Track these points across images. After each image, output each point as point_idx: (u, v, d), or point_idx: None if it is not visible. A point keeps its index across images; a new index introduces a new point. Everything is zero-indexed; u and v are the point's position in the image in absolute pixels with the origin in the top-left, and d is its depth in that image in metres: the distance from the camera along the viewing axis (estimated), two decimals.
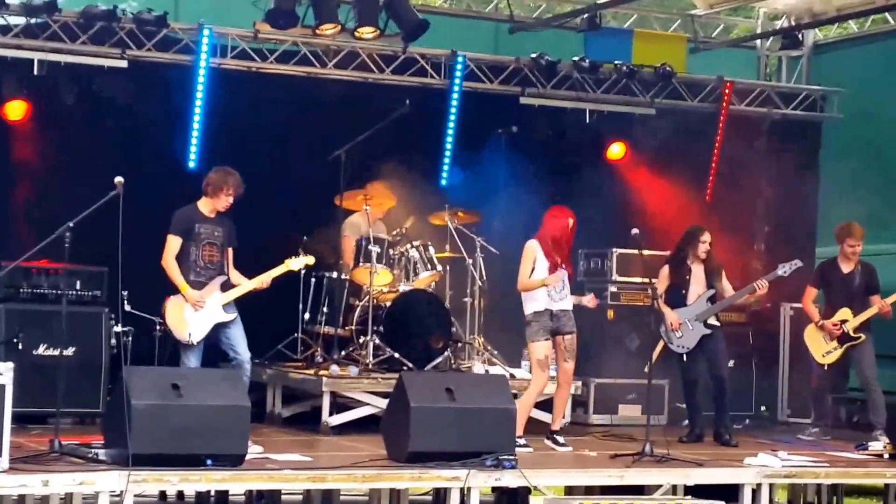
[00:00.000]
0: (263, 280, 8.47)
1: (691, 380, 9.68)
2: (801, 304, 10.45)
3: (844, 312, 9.97)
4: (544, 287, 8.84)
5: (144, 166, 9.87)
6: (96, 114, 10.26)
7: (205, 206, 8.45)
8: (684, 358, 9.60)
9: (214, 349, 8.54)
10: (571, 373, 9.03)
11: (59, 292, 8.81)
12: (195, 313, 8.31)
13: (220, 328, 8.31)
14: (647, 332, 9.56)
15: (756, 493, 8.14)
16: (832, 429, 10.37)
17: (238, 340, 8.30)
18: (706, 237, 9.65)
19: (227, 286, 8.41)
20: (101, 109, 10.28)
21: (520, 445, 8.36)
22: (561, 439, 8.93)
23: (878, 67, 12.50)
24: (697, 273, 9.65)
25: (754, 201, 12.58)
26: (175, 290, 8.40)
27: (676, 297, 9.63)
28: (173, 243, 8.36)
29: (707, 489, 8.14)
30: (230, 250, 8.51)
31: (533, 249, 8.91)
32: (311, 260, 8.90)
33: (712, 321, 9.61)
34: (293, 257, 8.71)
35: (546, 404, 9.78)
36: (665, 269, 9.76)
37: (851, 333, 9.93)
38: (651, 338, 9.57)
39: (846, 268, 10.08)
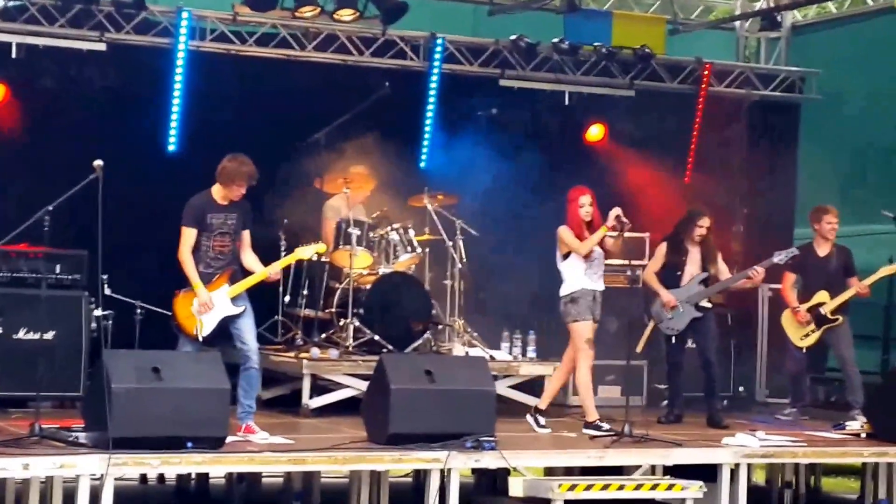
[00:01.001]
0: (272, 270, 8.25)
1: (676, 361, 9.71)
2: (779, 285, 10.49)
3: (821, 295, 10.00)
4: (583, 265, 8.82)
5: (124, 150, 9.82)
6: (75, 97, 10.22)
7: (217, 192, 8.17)
8: (672, 339, 9.63)
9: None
10: (592, 360, 8.97)
11: (39, 276, 8.79)
12: (212, 309, 8.06)
13: (228, 320, 8.10)
14: (626, 313, 9.59)
15: (734, 472, 8.19)
16: (810, 408, 10.44)
17: (246, 331, 8.08)
18: (704, 222, 9.63)
19: (235, 278, 8.16)
20: (80, 93, 10.24)
21: (605, 430, 8.56)
22: (542, 420, 8.97)
23: (856, 49, 12.54)
24: (694, 255, 9.67)
25: (733, 182, 12.62)
26: (184, 284, 8.13)
27: (671, 277, 9.64)
28: (189, 236, 8.05)
29: (686, 469, 8.19)
30: (245, 234, 8.23)
31: (562, 232, 8.91)
32: (322, 247, 8.77)
33: (704, 304, 9.62)
34: (303, 245, 8.51)
35: (531, 386, 9.86)
36: (662, 248, 9.76)
37: (829, 316, 9.96)
38: (632, 319, 9.60)
39: (822, 251, 10.10)
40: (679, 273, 9.64)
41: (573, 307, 8.84)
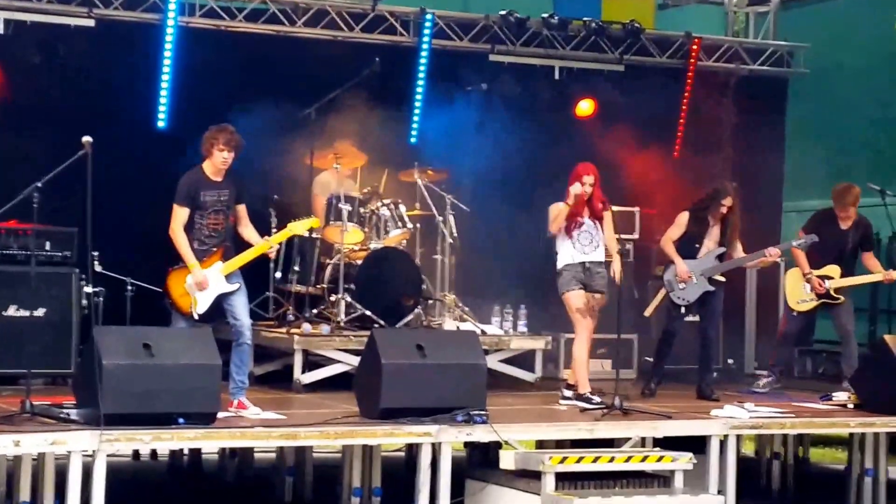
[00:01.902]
0: (272, 242, 8.23)
1: (672, 332, 9.71)
2: None
3: (832, 269, 9.90)
4: (569, 240, 8.91)
5: (113, 126, 9.80)
6: (63, 73, 10.17)
7: (208, 167, 8.13)
8: (682, 310, 9.63)
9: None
10: (590, 331, 9.01)
11: (29, 253, 8.76)
12: (208, 287, 8.05)
13: (222, 296, 8.07)
14: (615, 287, 9.62)
15: (723, 444, 8.25)
16: (797, 379, 10.47)
17: (239, 308, 8.06)
18: (727, 202, 9.56)
19: (228, 255, 8.13)
20: (69, 69, 10.19)
21: (595, 404, 8.57)
22: (596, 399, 8.87)
23: (844, 23, 12.56)
24: (713, 230, 9.64)
25: (721, 156, 12.63)
26: (175, 261, 8.13)
27: (688, 248, 9.61)
28: (181, 213, 7.99)
29: (675, 441, 8.25)
30: (241, 208, 8.19)
31: (550, 209, 9.02)
32: (315, 221, 8.77)
33: (717, 278, 9.62)
34: (295, 220, 8.50)
35: (522, 360, 9.88)
36: (684, 217, 9.66)
37: (832, 293, 9.90)
38: (619, 292, 9.62)
39: (844, 224, 9.98)
40: (697, 245, 9.62)
41: (560, 280, 8.98)
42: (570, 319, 9.03)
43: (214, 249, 8.10)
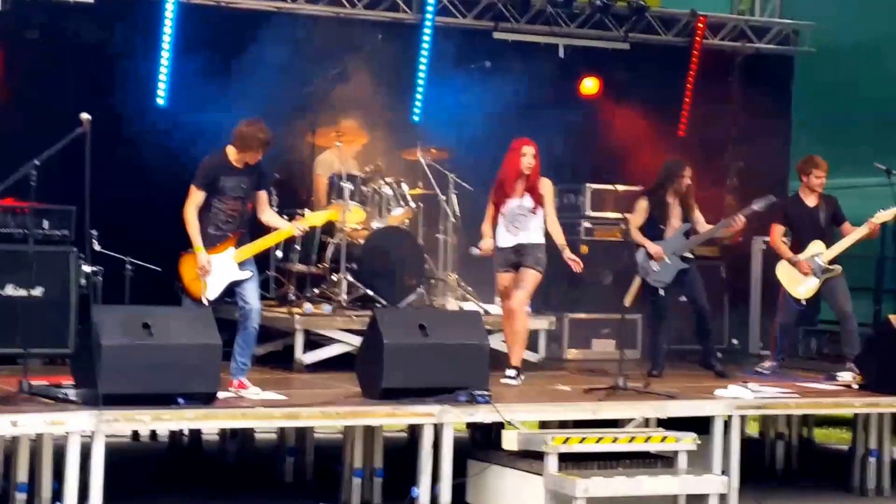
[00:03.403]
0: (297, 228, 8.22)
1: (661, 315, 9.68)
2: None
3: (817, 245, 9.85)
4: (501, 219, 8.84)
5: (112, 103, 9.75)
6: (63, 50, 10.09)
7: (232, 154, 8.00)
8: (661, 292, 9.59)
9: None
10: (516, 306, 8.84)
11: (26, 232, 8.67)
12: (210, 272, 7.95)
13: (234, 286, 7.99)
14: (620, 267, 9.56)
15: (727, 424, 8.20)
16: (801, 360, 10.41)
17: (249, 292, 7.97)
18: (687, 172, 9.57)
19: (243, 241, 8.02)
20: (68, 45, 10.10)
21: (513, 377, 8.57)
22: (511, 373, 8.83)
23: (850, 1, 12.45)
24: (675, 207, 9.62)
25: (727, 136, 12.57)
26: (188, 244, 8.00)
27: (654, 231, 9.58)
28: (197, 196, 7.90)
29: (679, 421, 8.19)
30: (261, 194, 8.11)
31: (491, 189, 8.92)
32: (333, 214, 8.97)
33: (687, 255, 9.60)
34: (315, 212, 8.64)
35: None
36: (643, 202, 9.65)
37: (827, 266, 9.85)
38: (625, 272, 9.57)
39: (811, 202, 9.94)
40: (662, 227, 9.59)
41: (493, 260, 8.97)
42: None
43: (229, 235, 8.00)
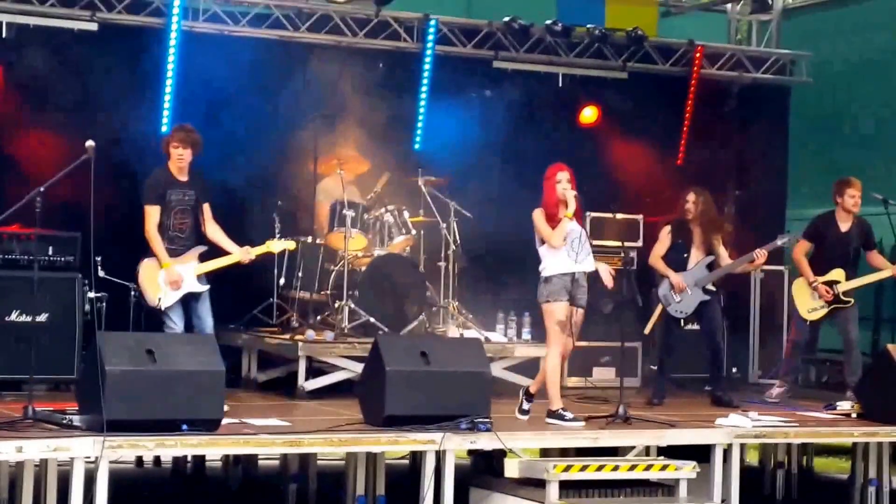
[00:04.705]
0: (247, 254, 8.37)
1: (671, 345, 9.68)
2: (771, 266, 10.46)
3: (837, 273, 9.81)
4: (564, 246, 8.31)
5: (116, 130, 9.81)
6: (67, 77, 10.13)
7: (172, 167, 8.37)
8: (682, 323, 9.59)
9: None
10: (570, 350, 8.54)
11: (32, 258, 8.69)
12: (182, 284, 8.21)
13: (190, 296, 8.28)
14: (620, 295, 9.58)
15: (727, 453, 8.21)
16: (801, 388, 10.43)
17: (203, 312, 8.28)
18: (689, 197, 9.56)
19: (204, 257, 8.31)
20: (72, 73, 10.16)
21: (568, 419, 8.23)
22: (527, 405, 8.55)
23: (846, 31, 12.56)
24: (698, 239, 9.59)
25: (725, 165, 12.64)
26: (148, 252, 8.33)
27: (678, 260, 9.57)
28: (154, 213, 8.20)
29: (679, 449, 8.22)
30: (206, 206, 8.38)
31: (535, 217, 8.45)
32: (291, 245, 8.95)
33: (710, 287, 9.57)
34: (275, 240, 8.70)
35: (526, 368, 9.81)
36: (666, 231, 9.64)
37: (842, 297, 9.83)
38: (625, 301, 9.59)
39: (844, 225, 9.87)
40: (685, 255, 9.57)
41: (545, 287, 8.35)
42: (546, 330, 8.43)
43: (190, 249, 8.25)
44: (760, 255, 9.52)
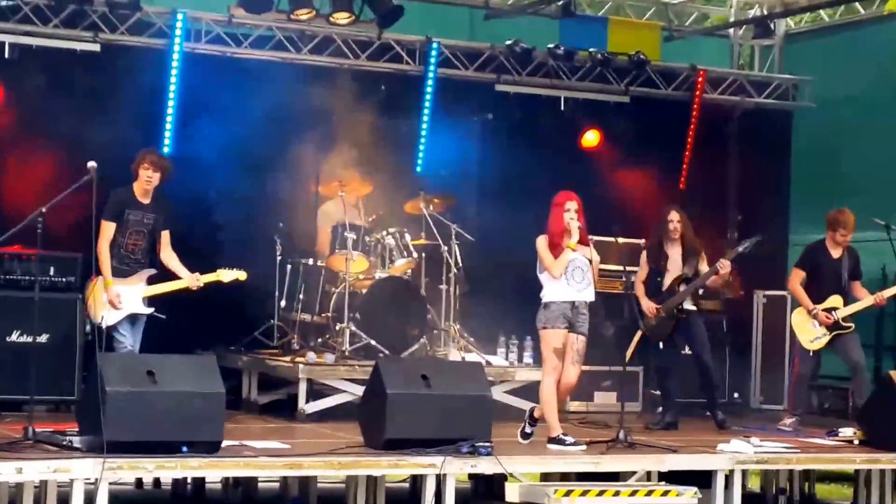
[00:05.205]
0: (195, 281, 8.44)
1: (664, 367, 9.70)
2: (774, 291, 10.43)
3: (835, 300, 9.81)
4: (563, 275, 8.24)
5: (118, 151, 9.79)
6: (69, 98, 10.15)
7: (137, 188, 8.40)
8: (660, 345, 9.60)
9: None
10: (576, 379, 8.39)
11: (32, 278, 8.71)
12: (121, 305, 8.30)
13: (135, 317, 8.33)
14: (621, 319, 9.59)
15: (729, 479, 8.18)
16: (804, 415, 10.39)
17: (137, 336, 8.41)
18: (672, 216, 9.56)
19: (153, 280, 8.36)
20: (74, 94, 10.18)
21: (568, 444, 8.20)
22: (529, 429, 8.48)
23: (848, 56, 12.58)
24: (674, 257, 9.59)
25: (727, 189, 12.64)
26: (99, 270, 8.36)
27: (654, 283, 9.61)
28: (108, 229, 8.27)
29: (680, 475, 8.18)
30: (164, 233, 8.44)
31: (539, 245, 8.37)
32: (242, 275, 8.82)
33: (687, 306, 9.56)
34: (226, 269, 8.67)
35: (527, 392, 9.77)
36: (643, 255, 9.72)
37: (842, 322, 9.80)
38: (626, 325, 9.59)
39: (835, 253, 9.88)
40: (660, 279, 9.59)
41: (543, 313, 8.27)
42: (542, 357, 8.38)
43: (140, 272, 8.32)
44: (724, 265, 9.42)
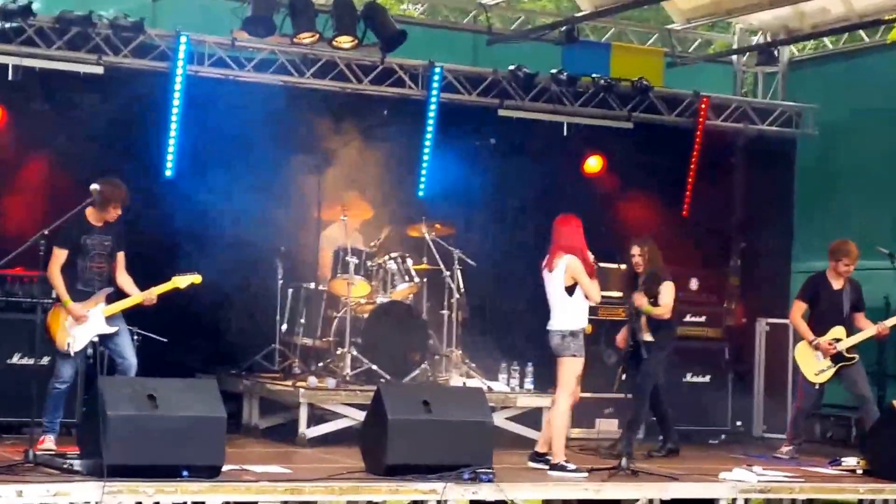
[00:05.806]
0: (149, 295, 8.39)
1: (635, 395, 9.47)
2: (776, 319, 10.39)
3: (838, 331, 9.78)
4: (587, 303, 8.43)
5: (120, 174, 9.76)
6: (72, 120, 10.15)
7: (92, 215, 8.32)
8: (623, 376, 9.44)
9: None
10: (577, 401, 8.66)
11: (34, 300, 8.70)
12: (77, 324, 8.21)
13: (104, 339, 8.30)
14: (625, 346, 9.54)
15: None
16: (807, 444, 10.34)
17: (124, 347, 8.32)
18: (633, 250, 9.48)
19: (111, 298, 8.33)
20: (77, 116, 10.17)
21: (570, 470, 8.22)
22: (571, 466, 8.42)
23: (852, 84, 12.59)
24: (640, 288, 9.46)
25: (730, 216, 12.63)
26: (58, 299, 8.28)
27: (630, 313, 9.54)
28: (60, 256, 8.23)
29: (683, 503, 8.13)
30: (120, 255, 8.43)
31: (576, 266, 8.40)
32: (197, 278, 8.67)
33: (645, 337, 9.38)
34: (180, 274, 8.59)
35: (529, 418, 9.71)
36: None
37: (845, 354, 9.76)
38: (628, 352, 9.55)
39: (836, 284, 9.86)
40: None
41: (574, 342, 8.39)
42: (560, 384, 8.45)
43: (98, 292, 8.25)
44: (636, 296, 9.26)
